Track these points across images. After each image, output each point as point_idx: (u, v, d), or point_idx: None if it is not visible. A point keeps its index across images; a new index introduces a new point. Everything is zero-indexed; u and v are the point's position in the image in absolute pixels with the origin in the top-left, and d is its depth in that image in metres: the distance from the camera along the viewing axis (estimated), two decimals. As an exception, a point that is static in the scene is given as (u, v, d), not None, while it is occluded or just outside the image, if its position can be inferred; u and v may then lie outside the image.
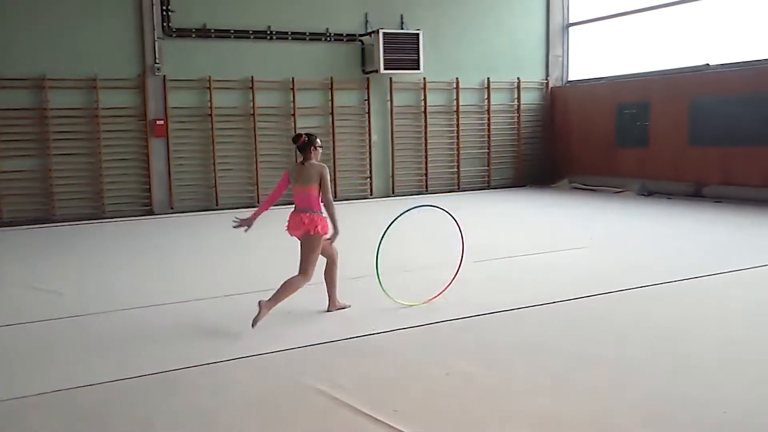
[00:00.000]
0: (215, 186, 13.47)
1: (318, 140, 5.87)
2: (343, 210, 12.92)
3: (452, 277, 6.24)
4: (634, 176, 14.50)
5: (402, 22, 14.74)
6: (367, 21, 14.51)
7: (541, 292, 6.27)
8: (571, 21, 16.55)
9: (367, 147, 14.80)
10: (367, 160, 14.83)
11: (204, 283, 7.17)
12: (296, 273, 5.71)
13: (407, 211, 6.18)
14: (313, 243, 5.71)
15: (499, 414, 3.78)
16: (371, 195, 14.87)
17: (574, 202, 13.25)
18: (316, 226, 5.67)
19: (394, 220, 6.05)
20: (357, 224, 11.41)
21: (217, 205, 13.47)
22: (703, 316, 5.49)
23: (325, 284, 6.00)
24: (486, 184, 16.01)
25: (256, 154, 13.72)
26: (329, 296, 6.00)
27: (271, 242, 9.77)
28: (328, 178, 5.78)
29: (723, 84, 12.87)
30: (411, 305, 5.95)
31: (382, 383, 4.25)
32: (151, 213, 12.99)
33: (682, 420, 3.60)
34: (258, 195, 13.74)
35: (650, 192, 13.85)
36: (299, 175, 5.77)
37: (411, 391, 4.12)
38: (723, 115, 12.79)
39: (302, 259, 5.74)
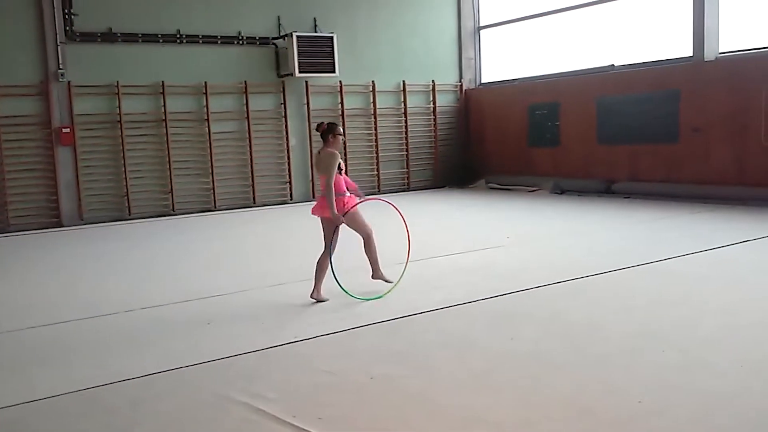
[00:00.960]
0: (127, 195, 13.03)
1: (339, 128, 6.30)
2: (263, 216, 12.85)
3: (403, 269, 6.61)
4: (548, 175, 14.92)
5: (315, 26, 14.67)
6: (280, 24, 14.37)
7: (461, 291, 6.35)
8: (482, 24, 16.88)
9: (285, 151, 14.65)
10: (286, 164, 14.69)
11: (116, 296, 6.90)
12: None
13: (361, 202, 6.44)
14: (347, 223, 6.26)
15: (423, 415, 3.79)
16: (291, 200, 14.73)
17: (491, 202, 13.52)
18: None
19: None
20: (277, 230, 11.29)
21: (129, 215, 13.04)
22: (615, 309, 5.68)
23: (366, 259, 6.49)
24: (405, 186, 16.13)
25: (169, 161, 13.36)
26: (372, 269, 6.47)
27: (189, 251, 9.55)
28: (333, 164, 6.13)
29: (627, 84, 13.42)
30: (370, 299, 6.19)
31: (306, 391, 4.19)
32: (59, 225, 12.45)
33: (600, 411, 3.71)
34: (173, 203, 13.39)
35: (563, 190, 14.28)
36: (317, 163, 6.30)
37: (336, 397, 4.08)
38: (628, 114, 13.33)
39: (324, 237, 6.29)
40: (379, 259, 6.54)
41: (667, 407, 3.71)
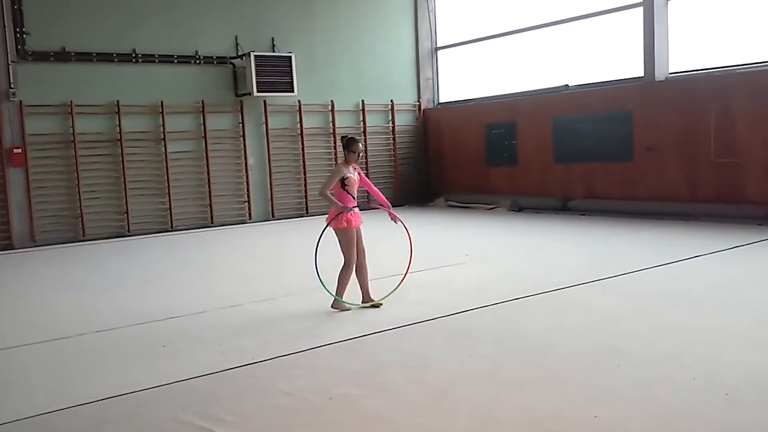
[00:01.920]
0: (81, 216, 12.78)
1: (354, 145, 6.49)
2: (221, 236, 12.70)
3: (403, 275, 6.80)
4: (505, 193, 15.10)
5: (273, 45, 14.67)
6: (237, 44, 14.33)
7: (420, 309, 6.36)
8: (439, 45, 17.09)
9: (244, 171, 14.56)
10: (245, 183, 14.59)
11: (69, 319, 6.74)
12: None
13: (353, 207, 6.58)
14: (338, 236, 6.46)
15: (383, 435, 3.77)
16: (250, 219, 14.62)
17: (450, 220, 13.60)
18: (331, 219, 6.41)
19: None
20: (235, 251, 11.18)
21: (84, 236, 12.78)
22: (572, 325, 5.74)
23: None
24: (365, 204, 16.11)
25: (125, 181, 13.16)
26: (336, 293, 6.46)
27: (145, 273, 9.39)
28: (332, 176, 6.53)
29: (581, 104, 13.69)
30: (366, 305, 6.42)
31: (265, 413, 4.14)
32: (10, 247, 12.13)
33: (556, 427, 3.73)
34: (128, 224, 13.17)
35: (520, 207, 14.46)
36: None
37: (295, 418, 4.03)
38: (583, 133, 13.58)
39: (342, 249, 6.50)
40: (346, 290, 6.52)
41: (623, 422, 3.75)
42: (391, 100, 16.46)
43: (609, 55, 13.58)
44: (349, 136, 6.64)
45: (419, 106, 17.00)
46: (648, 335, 5.32)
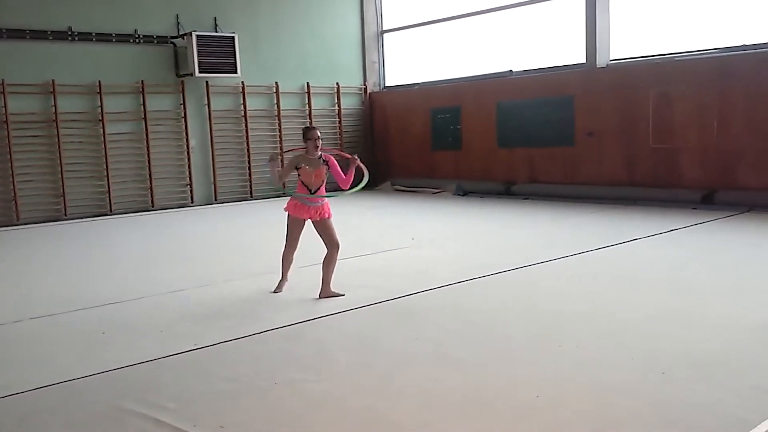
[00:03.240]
0: (15, 200, 12.33)
1: (309, 133, 6.34)
2: (162, 220, 12.44)
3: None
4: (451, 177, 15.19)
5: (216, 25, 14.37)
6: (178, 23, 13.98)
7: (366, 292, 6.35)
8: (385, 28, 17.01)
9: (186, 153, 14.27)
10: (186, 166, 14.30)
11: (2, 305, 6.50)
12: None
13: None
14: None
15: (327, 419, 3.75)
16: (192, 203, 14.35)
17: (396, 204, 13.62)
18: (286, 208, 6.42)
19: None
20: (176, 235, 10.96)
21: (18, 220, 12.34)
22: (515, 307, 5.83)
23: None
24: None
25: (61, 164, 12.74)
26: (322, 286, 6.31)
27: (83, 257, 9.12)
28: (284, 166, 6.55)
29: (524, 89, 13.84)
30: None
31: (208, 399, 4.06)
32: (-62, 232, 11.64)
33: (499, 407, 3.78)
34: (65, 207, 12.78)
35: (465, 192, 14.57)
36: None
37: (239, 404, 3.98)
38: (526, 118, 13.75)
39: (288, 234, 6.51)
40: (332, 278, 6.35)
41: (564, 401, 3.82)
42: (337, 83, 16.33)
43: (552, 42, 13.75)
44: (306, 126, 6.68)
45: (365, 89, 16.92)
46: (588, 316, 5.44)
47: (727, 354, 4.46)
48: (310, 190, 6.29)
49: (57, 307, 6.29)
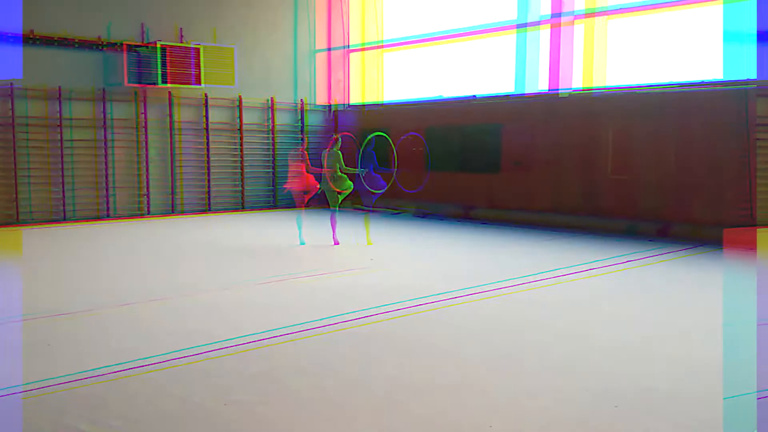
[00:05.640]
0: (-36, 202, 11.97)
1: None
2: (119, 230, 12.16)
3: None
4: (412, 199, 15.21)
5: (181, 36, 14.23)
6: (143, 32, 13.80)
7: (321, 314, 6.28)
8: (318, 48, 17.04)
9: (145, 162, 14.03)
10: (145, 176, 14.06)
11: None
12: None
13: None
14: None
15: (279, 444, 3.67)
16: (149, 213, 14.10)
17: (357, 224, 13.57)
18: None
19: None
20: (134, 245, 10.75)
21: (-34, 224, 11.97)
22: (472, 334, 5.82)
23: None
24: (272, 203, 15.90)
25: (15, 169, 12.41)
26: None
27: (33, 266, 8.86)
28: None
29: (487, 114, 13.96)
30: None
31: (155, 419, 3.95)
32: None
33: (455, 436, 3.75)
34: (17, 212, 12.43)
35: (425, 214, 14.60)
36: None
37: (187, 424, 3.88)
38: (489, 143, 13.88)
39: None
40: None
41: (517, 431, 3.81)
42: (302, 100, 16.29)
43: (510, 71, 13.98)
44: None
45: (329, 108, 16.91)
46: (544, 345, 5.46)
47: (678, 388, 4.51)
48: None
49: (2, 316, 6.08)
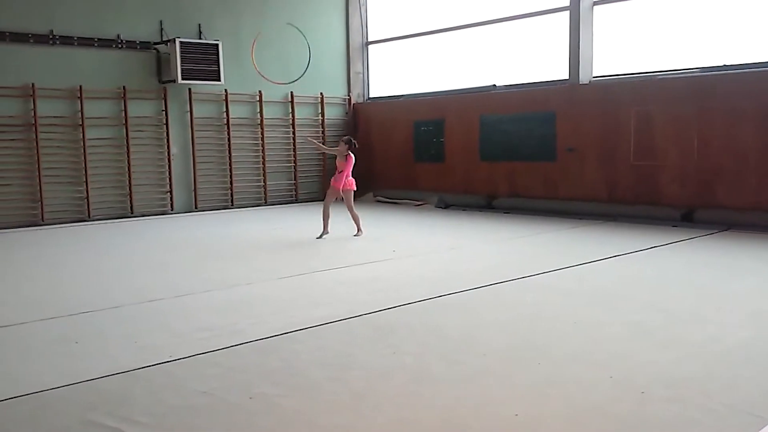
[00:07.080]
0: (-9, 203, 12.16)
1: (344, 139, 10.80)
2: (141, 227, 12.30)
3: None
4: (433, 190, 15.19)
5: (200, 32, 14.30)
6: (162, 29, 13.90)
7: (344, 306, 6.29)
8: (370, 39, 17.03)
9: (167, 160, 14.15)
10: (167, 173, 14.18)
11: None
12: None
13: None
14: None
15: (302, 436, 3.69)
16: (172, 210, 14.22)
17: (378, 215, 13.59)
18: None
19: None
20: (155, 243, 10.84)
21: (-7, 225, 12.17)
22: (494, 323, 5.79)
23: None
24: (293, 197, 15.97)
25: (39, 168, 12.58)
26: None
27: (58, 264, 8.99)
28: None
29: (507, 104, 13.89)
30: None
31: (181, 413, 3.99)
32: None
33: (476, 425, 3.74)
34: (42, 212, 12.60)
35: (447, 205, 14.57)
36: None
37: (213, 418, 3.91)
38: (508, 133, 13.79)
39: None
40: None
41: (542, 419, 3.79)
42: (321, 93, 16.30)
43: (536, 57, 13.82)
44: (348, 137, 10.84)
45: (349, 100, 16.91)
46: (567, 333, 5.42)
47: (704, 374, 4.45)
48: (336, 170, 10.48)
49: (30, 315, 6.18)
